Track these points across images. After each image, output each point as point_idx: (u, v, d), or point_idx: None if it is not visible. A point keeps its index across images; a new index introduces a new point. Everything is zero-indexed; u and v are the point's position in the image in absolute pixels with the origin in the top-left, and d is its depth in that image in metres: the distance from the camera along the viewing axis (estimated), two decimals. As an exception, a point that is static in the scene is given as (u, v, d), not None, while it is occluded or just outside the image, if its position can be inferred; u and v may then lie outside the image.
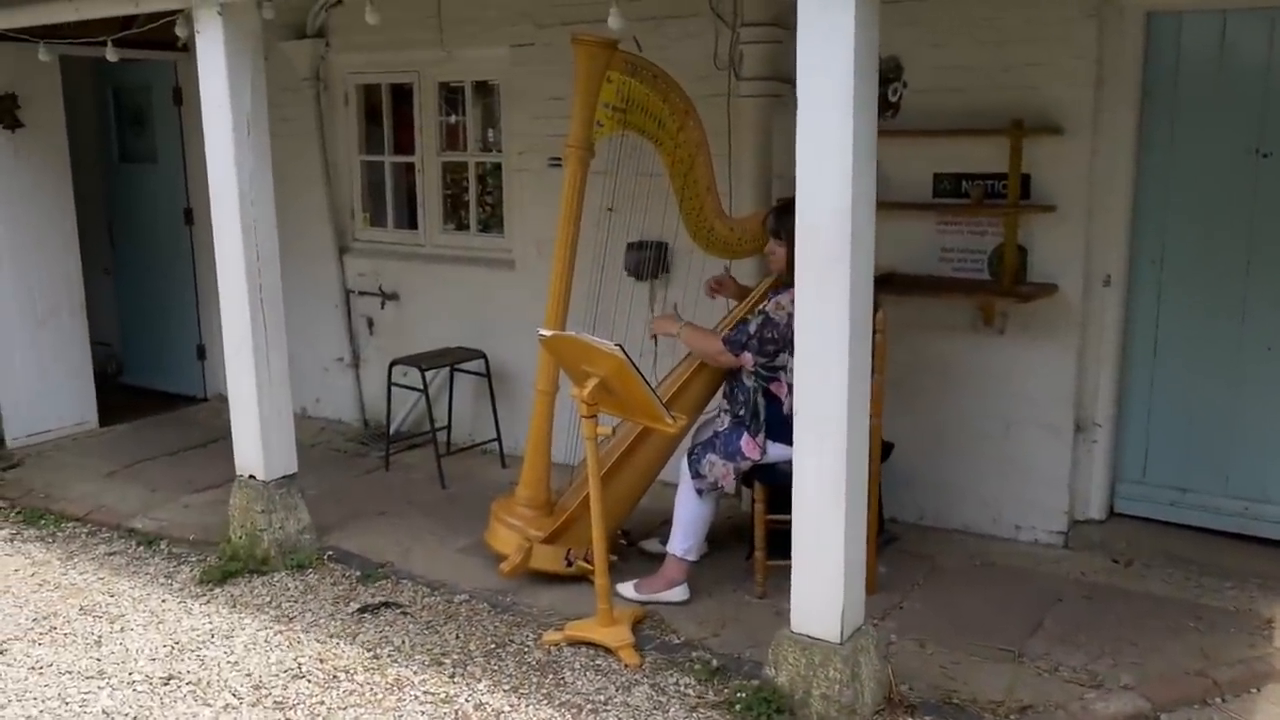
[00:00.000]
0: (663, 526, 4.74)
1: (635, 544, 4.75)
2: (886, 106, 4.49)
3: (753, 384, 4.14)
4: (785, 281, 4.08)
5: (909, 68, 4.56)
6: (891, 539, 4.69)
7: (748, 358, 4.07)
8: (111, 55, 4.98)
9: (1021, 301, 4.39)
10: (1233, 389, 4.39)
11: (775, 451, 4.13)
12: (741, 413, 4.17)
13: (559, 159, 5.52)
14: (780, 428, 4.08)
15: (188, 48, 6.40)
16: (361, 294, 6.60)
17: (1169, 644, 3.83)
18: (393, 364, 5.84)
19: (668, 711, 3.52)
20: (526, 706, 3.57)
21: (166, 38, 5.03)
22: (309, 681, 3.77)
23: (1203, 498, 4.51)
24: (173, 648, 4.04)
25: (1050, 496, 4.63)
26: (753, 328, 4.05)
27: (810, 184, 3.13)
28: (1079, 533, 4.63)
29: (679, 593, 4.25)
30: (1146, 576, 4.36)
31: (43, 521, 5.38)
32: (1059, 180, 4.38)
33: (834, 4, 2.98)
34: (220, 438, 6.35)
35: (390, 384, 5.87)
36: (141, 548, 5.04)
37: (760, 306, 4.10)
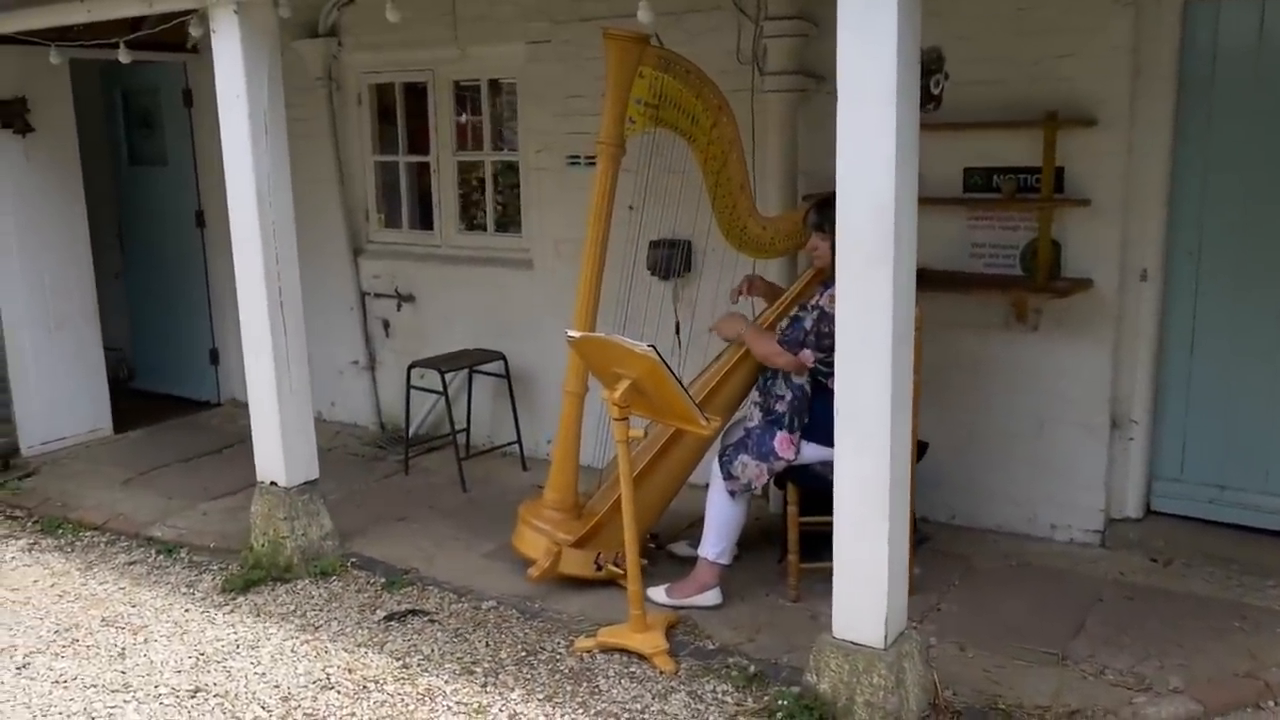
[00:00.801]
0: (690, 529, 4.68)
1: (664, 547, 4.67)
2: (929, 99, 4.41)
3: (804, 380, 4.05)
4: (830, 276, 4.00)
5: (941, 60, 4.50)
6: (924, 539, 4.61)
7: (808, 355, 3.98)
8: (124, 57, 4.90)
9: (1058, 297, 4.31)
10: (1272, 383, 4.30)
11: (809, 452, 4.06)
12: (779, 408, 4.08)
13: (578, 157, 5.49)
14: (816, 427, 4.00)
15: (197, 49, 6.40)
16: (377, 296, 6.53)
17: (1215, 645, 3.75)
18: (411, 366, 5.76)
19: (707, 720, 3.45)
20: (562, 716, 3.49)
21: (176, 39, 4.96)
22: (338, 692, 3.70)
23: (1242, 495, 4.42)
24: (198, 659, 3.97)
25: (1086, 495, 4.55)
26: (808, 323, 3.95)
27: (852, 180, 3.05)
28: (1116, 532, 4.55)
29: (711, 597, 4.18)
30: (1187, 576, 4.28)
31: (60, 530, 5.31)
32: (1093, 173, 4.30)
33: (877, -8, 2.90)
34: (235, 443, 6.30)
35: (409, 387, 5.80)
36: (161, 556, 4.97)
37: (813, 301, 4.00)
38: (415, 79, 6.22)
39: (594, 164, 4.32)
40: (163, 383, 7.57)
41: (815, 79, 4.75)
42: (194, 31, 4.55)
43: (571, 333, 3.89)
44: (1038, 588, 4.25)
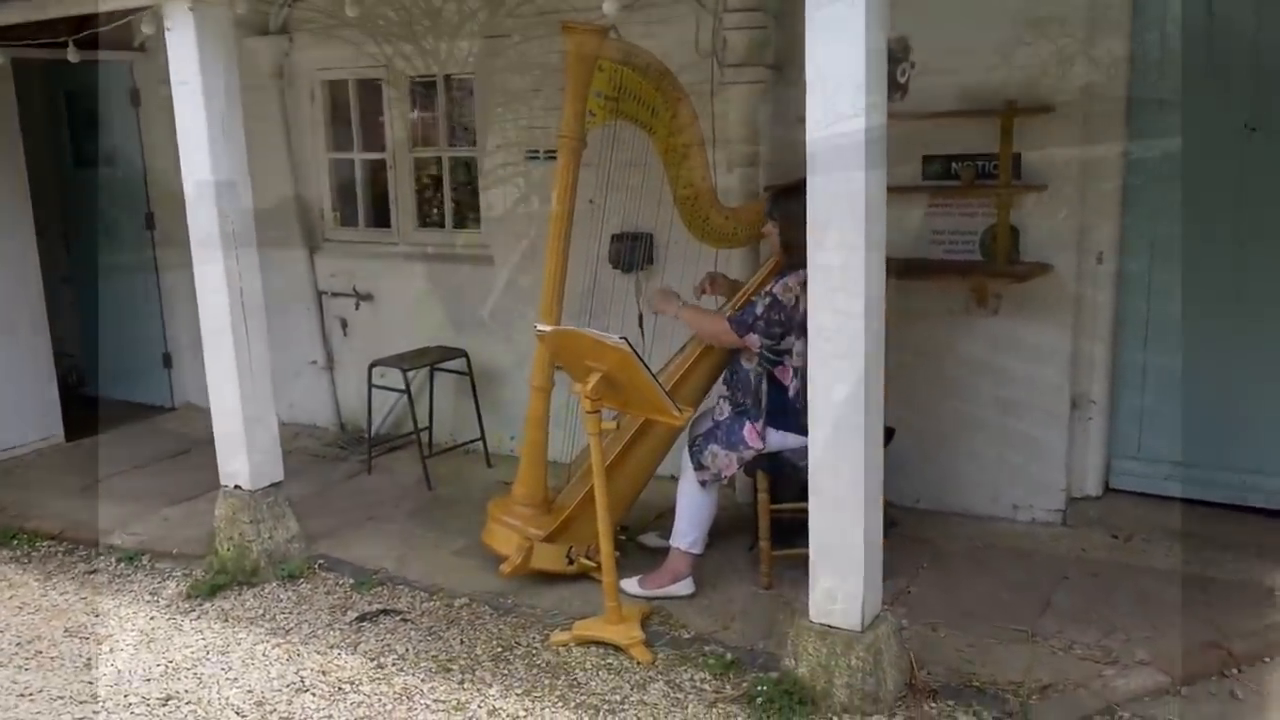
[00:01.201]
0: (659, 520, 4.70)
1: (634, 539, 4.68)
2: (895, 87, 4.44)
3: (753, 367, 4.08)
4: (785, 264, 4.03)
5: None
6: (891, 524, 4.64)
7: (753, 339, 4.00)
8: (73, 56, 4.78)
9: (1017, 281, 4.38)
10: (1226, 361, 4.40)
11: (775, 439, 4.09)
12: (744, 400, 4.11)
13: (537, 152, 5.47)
14: (782, 414, 4.03)
15: (145, 48, 6.27)
16: (334, 295, 6.45)
17: (1178, 618, 3.83)
18: (373, 365, 5.71)
19: (686, 708, 3.46)
20: (542, 710, 3.49)
21: (123, 38, 4.84)
22: (314, 695, 3.67)
23: (1198, 471, 4.52)
24: (167, 666, 3.91)
25: (1047, 475, 4.63)
26: (760, 309, 3.97)
27: (821, 169, 3.07)
28: (1076, 510, 4.64)
29: (684, 586, 4.20)
30: (1147, 551, 4.38)
31: (16, 541, 5.19)
32: (1050, 159, 4.37)
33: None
34: (192, 447, 6.21)
35: (371, 386, 5.74)
36: (122, 564, 4.87)
37: (767, 288, 4.03)
38: (370, 75, 6.14)
39: (554, 158, 4.31)
40: (114, 388, 7.40)
41: (775, 70, 4.78)
42: (146, 29, 4.45)
43: (541, 327, 3.88)
44: (1004, 567, 4.33)
